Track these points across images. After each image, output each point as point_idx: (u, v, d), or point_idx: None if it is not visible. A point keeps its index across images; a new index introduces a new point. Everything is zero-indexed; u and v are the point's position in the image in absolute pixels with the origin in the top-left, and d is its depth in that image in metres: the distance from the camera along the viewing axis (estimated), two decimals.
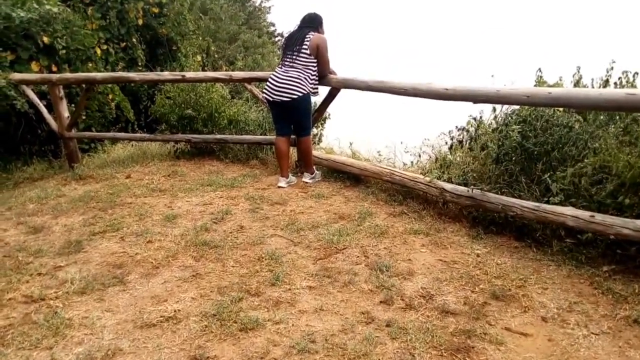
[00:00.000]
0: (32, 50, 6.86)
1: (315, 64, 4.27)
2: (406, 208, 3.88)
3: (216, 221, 3.70)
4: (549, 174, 3.28)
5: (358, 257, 3.09)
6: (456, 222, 3.63)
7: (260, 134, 5.60)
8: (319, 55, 4.24)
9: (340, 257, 3.09)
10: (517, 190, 3.43)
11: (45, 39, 7.00)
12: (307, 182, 4.62)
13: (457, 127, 4.16)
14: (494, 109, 3.95)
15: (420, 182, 3.79)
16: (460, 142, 4.05)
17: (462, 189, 3.51)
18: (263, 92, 4.45)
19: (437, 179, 3.77)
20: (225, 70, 11.47)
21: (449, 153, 4.42)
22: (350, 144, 4.97)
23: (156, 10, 10.01)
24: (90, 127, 7.79)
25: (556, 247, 3.10)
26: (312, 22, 4.35)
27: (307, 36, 4.26)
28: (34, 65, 6.84)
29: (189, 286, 2.77)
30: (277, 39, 18.45)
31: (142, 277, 2.89)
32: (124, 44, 9.31)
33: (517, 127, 3.46)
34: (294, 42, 4.32)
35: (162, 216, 3.84)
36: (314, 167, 4.72)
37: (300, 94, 4.20)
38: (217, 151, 5.71)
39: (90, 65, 8.05)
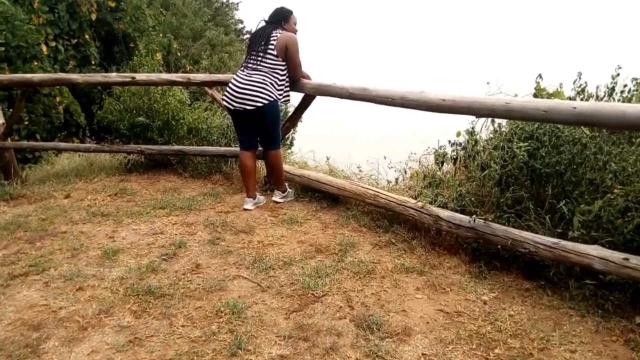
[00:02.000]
0: None
1: (284, 67, 3.66)
2: (393, 236, 3.32)
3: (167, 257, 3.05)
4: (563, 201, 2.78)
5: (341, 307, 2.50)
6: (453, 254, 3.09)
7: (225, 144, 4.95)
8: (289, 57, 3.64)
9: (318, 307, 2.50)
10: (525, 219, 2.91)
11: None
12: (277, 202, 4.01)
13: (450, 142, 3.62)
14: (493, 121, 3.44)
15: (410, 207, 3.23)
16: (455, 159, 3.51)
17: (460, 217, 2.97)
18: (223, 99, 3.82)
19: (430, 203, 3.22)
20: (189, 70, 10.72)
21: (438, 170, 3.89)
22: (327, 158, 4.38)
23: (112, 4, 9.20)
24: (35, 133, 6.98)
25: (574, 290, 2.60)
26: (276, 17, 3.74)
27: (274, 34, 3.65)
28: None
29: (122, 359, 2.13)
30: (245, 36, 17.69)
31: (63, 344, 2.23)
32: (76, 40, 8.48)
33: (524, 144, 2.95)
34: (257, 40, 3.70)
35: (101, 251, 3.16)
36: (286, 184, 4.11)
37: (265, 102, 3.58)
38: (175, 164, 5.03)
39: (35, 64, 7.23)
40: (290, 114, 4.21)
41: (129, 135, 5.01)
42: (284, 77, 3.69)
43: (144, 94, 5.01)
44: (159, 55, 9.36)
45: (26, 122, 6.75)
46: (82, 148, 5.13)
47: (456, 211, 3.12)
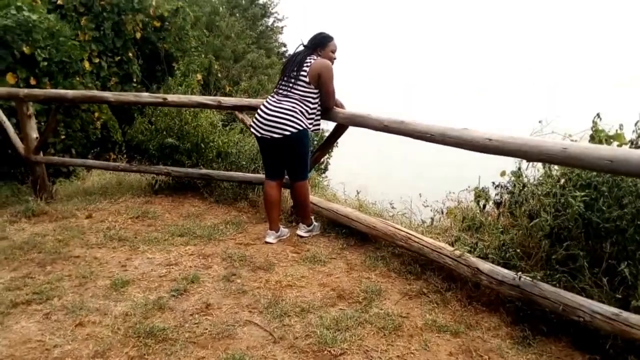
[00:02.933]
0: (9, 60, 6.16)
1: (316, 95, 3.45)
2: (426, 285, 3.00)
3: (176, 294, 2.83)
4: (625, 263, 2.40)
5: None
6: (493, 312, 2.74)
7: (253, 170, 4.77)
8: (322, 84, 3.42)
9: None
10: (579, 280, 2.54)
11: (25, 49, 6.28)
12: (302, 236, 3.75)
13: (493, 183, 3.29)
14: (543, 165, 3.09)
15: (446, 255, 2.91)
16: (499, 203, 3.17)
17: (503, 272, 2.62)
18: (251, 126, 3.63)
19: (470, 251, 2.88)
20: (229, 91, 10.74)
21: (478, 212, 3.55)
22: (357, 192, 4.10)
23: (157, 23, 9.34)
24: (70, 148, 7.04)
25: None
26: (313, 42, 3.54)
27: (307, 61, 3.45)
28: (9, 77, 6.12)
29: None
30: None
31: None
32: (119, 57, 8.61)
33: (580, 193, 2.59)
34: (291, 66, 3.51)
35: (110, 281, 2.98)
36: (312, 217, 3.86)
37: (294, 130, 3.37)
38: (201, 187, 4.86)
39: (77, 79, 7.35)
40: (323, 141, 3.97)
41: (158, 155, 4.89)
42: (315, 105, 3.47)
43: (176, 115, 4.90)
44: (199, 76, 9.40)
45: (62, 137, 6.81)
46: (111, 166, 5.05)
47: (498, 263, 2.78)
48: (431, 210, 4.39)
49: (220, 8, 15.37)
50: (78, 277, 3.04)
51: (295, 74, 3.43)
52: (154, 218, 4.17)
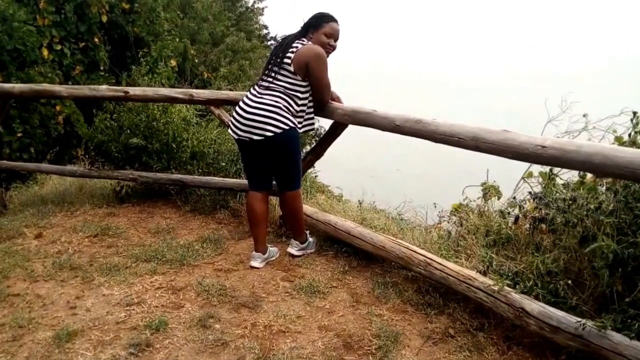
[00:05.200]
0: None
1: (304, 87, 2.79)
2: (451, 323, 2.41)
3: (136, 350, 2.19)
4: None
5: None
6: (539, 358, 2.16)
7: (235, 173, 4.11)
8: (311, 75, 2.75)
9: None
10: None
11: None
12: (294, 255, 3.14)
13: (532, 194, 2.69)
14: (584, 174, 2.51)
15: (479, 289, 2.31)
16: (541, 219, 2.56)
17: (558, 315, 2.03)
18: (228, 125, 2.98)
19: (510, 286, 2.28)
20: (207, 77, 9.96)
21: (504, 226, 2.96)
22: (360, 202, 3.46)
23: (126, 5, 8.51)
24: (29, 146, 6.28)
25: None
26: (306, 24, 2.87)
27: (294, 46, 2.79)
28: None
29: None
30: (269, 42, 16.97)
31: None
32: (83, 44, 7.79)
33: None
34: (276, 52, 2.85)
35: (53, 332, 2.32)
36: (306, 232, 3.24)
37: (278, 130, 2.72)
38: (174, 194, 4.19)
39: (35, 69, 6.54)
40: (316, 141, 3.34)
41: (121, 158, 4.20)
42: (304, 100, 2.82)
43: (142, 110, 4.20)
44: (173, 62, 8.64)
45: (19, 134, 6.05)
46: (67, 171, 4.35)
47: (544, 299, 2.19)
48: (448, 222, 3.81)
49: None
50: (13, 328, 2.38)
51: (278, 60, 2.77)
52: (116, 236, 3.50)
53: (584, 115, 2.87)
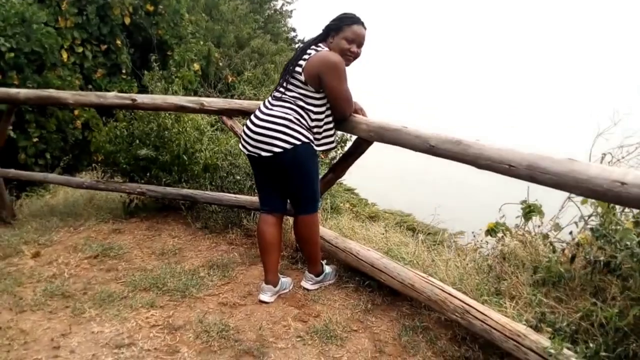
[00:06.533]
0: None
1: (319, 99, 2.43)
2: None
3: None
4: None
5: None
6: None
7: (249, 189, 3.77)
8: (325, 86, 2.38)
9: None
10: None
11: None
12: (308, 290, 2.77)
13: (594, 231, 2.25)
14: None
15: (530, 349, 1.89)
16: (606, 264, 2.12)
17: None
18: (241, 136, 2.64)
19: (570, 349, 1.85)
20: (231, 81, 9.72)
21: (554, 261, 2.53)
22: (385, 231, 3.05)
23: (150, 7, 8.32)
24: (44, 152, 6.11)
25: None
26: (327, 27, 2.51)
27: (308, 52, 2.42)
28: None
29: None
30: (297, 45, 16.71)
31: None
32: (105, 46, 7.63)
33: None
34: (290, 61, 2.50)
35: None
36: (323, 261, 2.87)
37: (288, 146, 2.37)
38: (185, 210, 3.88)
39: (53, 73, 6.38)
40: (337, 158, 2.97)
41: (131, 169, 3.92)
42: (319, 114, 2.45)
43: (153, 118, 3.92)
44: (196, 66, 8.41)
45: (35, 140, 5.88)
46: (74, 183, 4.09)
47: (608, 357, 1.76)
48: (474, 235, 3.44)
49: None
50: None
51: (291, 69, 2.42)
52: (117, 257, 3.21)
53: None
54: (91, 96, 3.63)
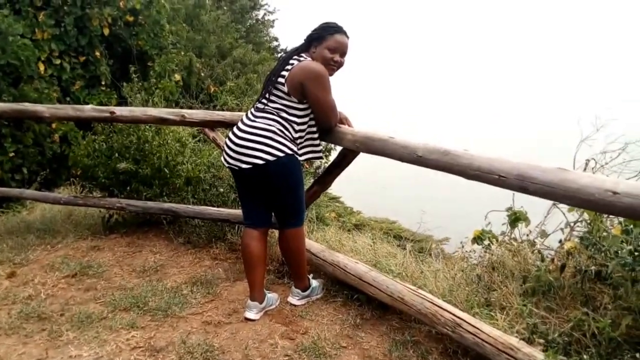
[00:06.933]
0: None
1: (302, 110, 2.38)
2: None
3: None
4: None
5: None
6: None
7: (233, 201, 3.70)
8: (308, 97, 2.33)
9: None
10: None
11: None
12: (295, 305, 2.70)
13: (585, 241, 2.23)
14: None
15: None
16: (597, 274, 2.10)
17: None
18: (223, 149, 2.57)
19: (561, 358, 1.82)
20: (214, 92, 9.63)
21: (543, 270, 2.50)
22: (373, 242, 3.01)
23: (130, 18, 8.21)
24: (21, 167, 5.94)
25: None
26: (309, 37, 2.46)
27: (290, 63, 2.38)
28: None
29: None
30: (279, 54, 16.69)
31: None
32: (84, 58, 7.50)
33: None
34: (272, 72, 2.45)
35: None
36: (310, 276, 2.80)
37: (271, 158, 2.31)
38: (166, 224, 3.78)
39: (30, 85, 6.23)
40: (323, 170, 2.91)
41: (110, 184, 3.81)
42: (302, 125, 2.40)
43: (133, 131, 3.82)
44: (177, 76, 8.32)
45: (12, 154, 5.72)
46: (51, 198, 3.97)
47: None
48: (462, 244, 3.43)
49: (206, 0, 14.23)
50: None
51: (273, 79, 2.36)
52: (96, 276, 3.10)
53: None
54: (68, 109, 3.53)
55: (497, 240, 3.47)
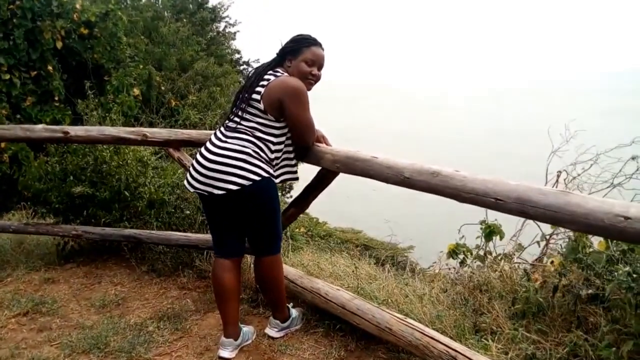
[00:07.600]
0: None
1: (279, 129, 2.21)
2: None
3: None
4: None
5: None
6: None
7: (201, 224, 3.46)
8: (287, 114, 2.17)
9: None
10: None
11: None
12: (274, 338, 2.50)
13: (580, 263, 2.14)
14: None
15: None
16: (594, 297, 2.01)
17: None
18: (188, 170, 2.35)
19: None
20: (174, 106, 9.30)
21: (531, 291, 2.40)
22: (355, 267, 2.85)
23: (84, 31, 7.84)
24: None
25: None
26: (283, 50, 2.29)
27: (266, 78, 2.21)
28: None
29: None
30: (242, 67, 16.47)
31: None
32: (35, 72, 7.07)
33: None
34: (244, 86, 2.27)
35: None
36: (289, 305, 2.61)
37: (246, 182, 2.12)
38: (127, 251, 3.51)
39: None
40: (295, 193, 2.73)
41: (65, 209, 3.51)
42: (279, 145, 2.23)
43: (89, 151, 3.54)
44: (136, 90, 7.99)
45: None
46: (0, 227, 3.62)
47: None
48: (439, 259, 3.39)
49: (165, 13, 13.88)
50: None
51: (246, 97, 2.18)
52: (51, 313, 2.80)
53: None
54: (17, 129, 3.22)
55: (471, 254, 3.38)
